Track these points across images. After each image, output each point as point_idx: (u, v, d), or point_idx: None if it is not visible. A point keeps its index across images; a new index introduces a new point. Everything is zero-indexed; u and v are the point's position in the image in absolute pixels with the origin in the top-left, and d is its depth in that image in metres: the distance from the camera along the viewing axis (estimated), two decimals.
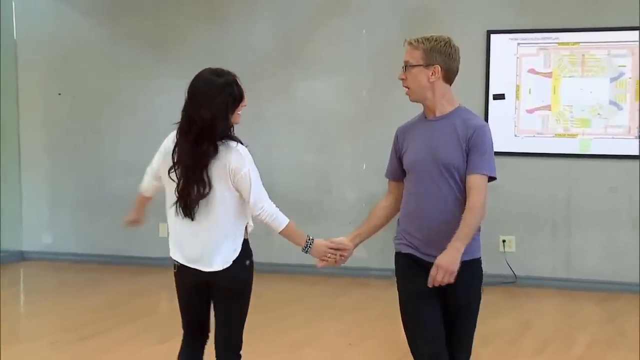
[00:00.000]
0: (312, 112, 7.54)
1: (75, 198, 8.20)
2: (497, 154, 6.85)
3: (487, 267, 7.40)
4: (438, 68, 3.44)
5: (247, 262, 3.56)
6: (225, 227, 3.49)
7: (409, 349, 3.46)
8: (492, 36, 7.07)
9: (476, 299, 3.51)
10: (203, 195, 3.42)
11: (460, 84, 6.95)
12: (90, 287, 7.22)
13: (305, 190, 7.54)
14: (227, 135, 3.47)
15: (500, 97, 7.07)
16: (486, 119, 7.09)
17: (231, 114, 3.45)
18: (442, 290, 3.36)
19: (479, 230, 3.42)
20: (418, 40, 3.45)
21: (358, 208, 7.30)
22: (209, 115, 3.39)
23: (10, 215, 8.30)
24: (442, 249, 3.29)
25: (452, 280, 3.26)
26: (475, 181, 3.36)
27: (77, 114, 8.18)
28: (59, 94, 8.15)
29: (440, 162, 3.38)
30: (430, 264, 3.30)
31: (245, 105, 3.53)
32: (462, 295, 3.43)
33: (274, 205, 3.55)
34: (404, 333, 3.49)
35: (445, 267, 3.24)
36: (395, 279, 3.53)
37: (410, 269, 3.46)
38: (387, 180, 3.65)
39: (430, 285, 3.28)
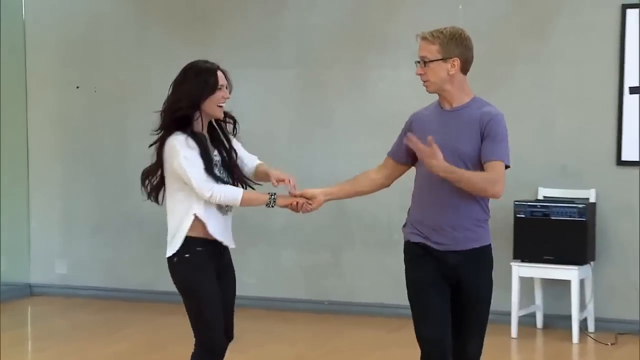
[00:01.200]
0: (394, 111, 7.12)
1: (95, 218, 8.26)
2: (636, 164, 6.84)
3: (620, 312, 7.16)
4: (457, 60, 4.24)
5: (187, 255, 4.35)
6: (172, 214, 4.44)
7: None
8: (629, 11, 6.96)
9: (489, 285, 4.35)
10: (154, 180, 4.54)
11: (587, 73, 6.98)
12: (113, 329, 7.24)
13: (385, 210, 7.43)
14: (188, 124, 4.39)
15: (638, 90, 6.93)
16: (620, 118, 6.98)
17: (203, 100, 4.36)
18: (454, 278, 4.26)
19: (488, 217, 4.33)
20: (433, 35, 4.28)
21: None
22: (173, 99, 4.38)
23: (15, 240, 8.37)
24: (453, 238, 4.23)
25: (430, 156, 4.10)
26: (493, 167, 4.18)
27: (98, 112, 8.23)
28: (77, 87, 8.24)
29: (457, 154, 4.20)
30: (441, 252, 4.25)
31: (227, 98, 4.44)
32: (475, 281, 4.28)
33: (222, 182, 4.38)
34: None
35: (435, 156, 4.08)
36: (405, 268, 4.44)
37: (420, 257, 4.33)
38: (386, 156, 4.60)
39: (408, 142, 4.22)
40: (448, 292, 4.29)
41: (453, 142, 4.20)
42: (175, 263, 4.37)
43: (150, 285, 7.91)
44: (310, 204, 4.50)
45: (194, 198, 4.33)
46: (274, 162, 7.41)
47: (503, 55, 6.99)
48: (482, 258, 4.29)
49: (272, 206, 4.46)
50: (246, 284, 7.71)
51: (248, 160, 4.60)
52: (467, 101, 4.29)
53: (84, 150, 8.28)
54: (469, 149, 4.19)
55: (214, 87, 4.37)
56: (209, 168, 4.33)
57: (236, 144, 4.59)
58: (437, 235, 4.26)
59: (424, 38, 4.29)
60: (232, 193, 4.35)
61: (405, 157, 4.43)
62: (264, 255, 7.74)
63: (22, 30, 8.32)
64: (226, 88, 4.46)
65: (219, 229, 4.40)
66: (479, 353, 4.32)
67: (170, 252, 4.37)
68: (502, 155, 4.19)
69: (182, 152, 4.30)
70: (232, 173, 4.48)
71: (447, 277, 4.27)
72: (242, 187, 4.47)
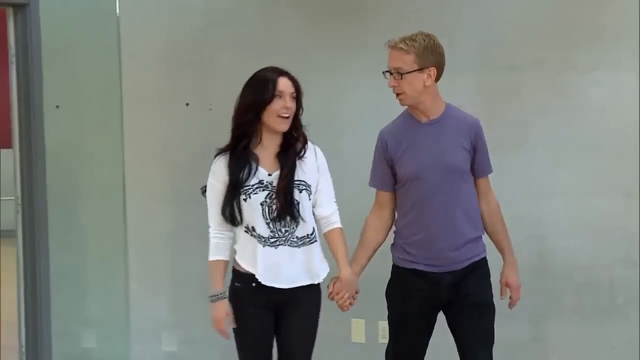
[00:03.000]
0: (612, 128, 7.35)
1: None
2: None
3: None
4: (434, 70, 5.37)
5: (235, 285, 5.51)
6: None
7: None
8: None
9: (491, 296, 5.56)
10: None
11: None
12: None
13: (601, 263, 7.31)
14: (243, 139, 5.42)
15: None
16: None
17: (261, 111, 5.28)
18: (450, 295, 5.46)
19: (482, 233, 5.59)
20: (407, 44, 5.27)
21: None
22: (234, 114, 5.49)
23: (110, 308, 8.49)
24: (446, 258, 5.41)
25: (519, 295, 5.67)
26: (487, 183, 5.63)
27: (214, 137, 7.91)
28: (187, 104, 8.35)
29: (449, 169, 5.37)
30: (434, 274, 5.43)
31: (288, 107, 5.28)
32: (478, 294, 5.49)
33: (232, 224, 5.46)
34: None
35: (517, 284, 5.65)
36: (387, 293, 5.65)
37: (411, 287, 5.47)
38: (376, 191, 5.60)
39: (512, 308, 5.71)
40: (432, 322, 5.57)
41: (441, 156, 5.37)
42: (229, 290, 5.52)
43: None
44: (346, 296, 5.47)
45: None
46: None
47: None
48: (478, 269, 5.50)
49: (213, 302, 5.47)
50: None
51: (323, 212, 5.47)
52: (443, 111, 5.48)
53: (196, 188, 8.18)
54: (459, 162, 5.41)
55: (271, 95, 5.23)
56: (227, 203, 5.42)
57: (322, 177, 5.43)
58: (431, 258, 5.41)
59: (395, 47, 5.30)
60: (210, 249, 5.52)
61: (393, 182, 5.51)
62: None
63: (115, 32, 8.40)
64: (291, 97, 5.25)
65: (257, 261, 5.33)
66: None
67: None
68: (491, 167, 5.65)
69: (209, 180, 5.60)
70: (277, 197, 5.30)
71: (439, 301, 5.50)
72: (290, 217, 5.32)
